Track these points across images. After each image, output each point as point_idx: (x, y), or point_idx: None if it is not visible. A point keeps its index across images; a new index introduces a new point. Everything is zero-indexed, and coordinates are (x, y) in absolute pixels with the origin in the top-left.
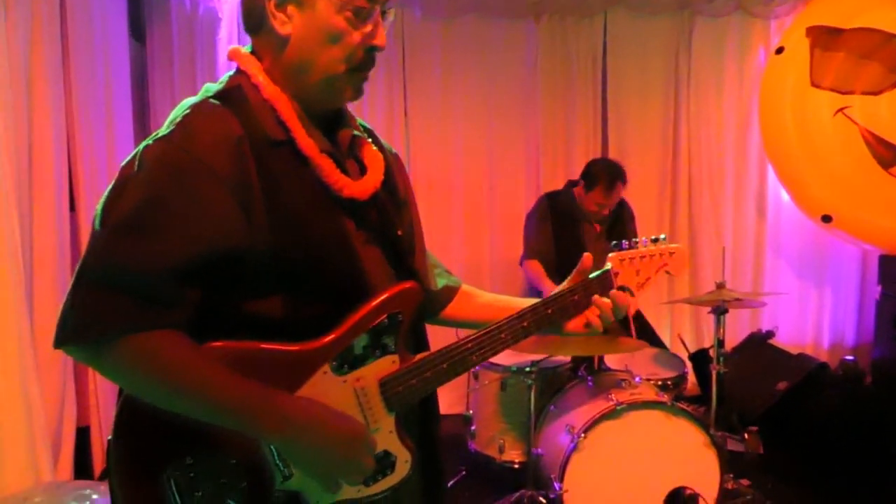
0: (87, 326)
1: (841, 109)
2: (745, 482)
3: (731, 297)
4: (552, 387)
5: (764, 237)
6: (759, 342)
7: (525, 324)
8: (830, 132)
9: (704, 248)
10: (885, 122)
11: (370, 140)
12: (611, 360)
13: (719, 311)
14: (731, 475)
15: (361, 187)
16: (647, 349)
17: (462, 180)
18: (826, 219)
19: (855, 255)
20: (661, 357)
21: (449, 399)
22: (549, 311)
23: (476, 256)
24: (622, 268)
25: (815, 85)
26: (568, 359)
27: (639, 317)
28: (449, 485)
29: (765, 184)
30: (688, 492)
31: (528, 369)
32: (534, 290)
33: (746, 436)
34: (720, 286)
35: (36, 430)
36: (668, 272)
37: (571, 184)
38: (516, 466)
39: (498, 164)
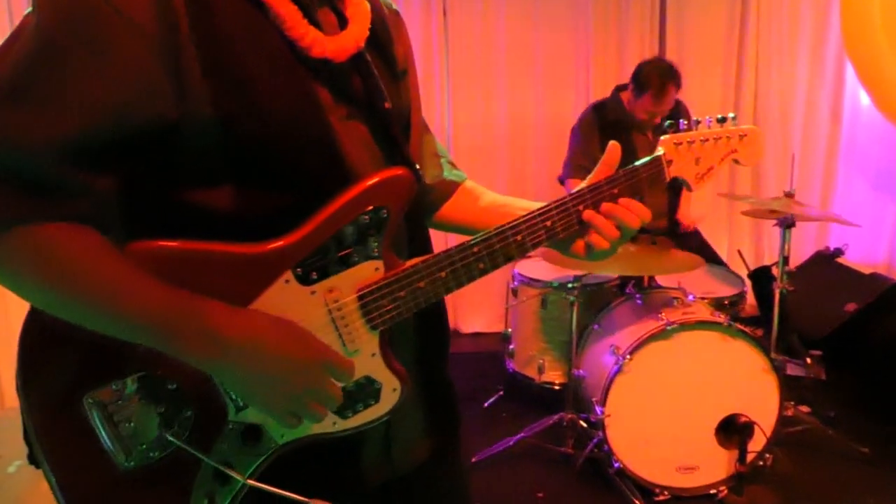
0: None
1: None
2: (804, 409)
3: (801, 210)
4: (597, 304)
5: (837, 145)
6: (826, 260)
7: (548, 223)
8: None
9: (770, 156)
10: None
11: None
12: (662, 277)
13: (786, 223)
14: (792, 403)
15: (337, 45)
16: (706, 265)
17: (505, 90)
18: None
19: None
20: (717, 274)
21: (487, 317)
22: (580, 207)
23: (520, 175)
24: (677, 154)
25: None
26: (610, 274)
27: (695, 233)
28: (485, 405)
29: (841, 86)
30: (742, 419)
31: (570, 285)
32: None
33: (808, 360)
34: (788, 195)
35: None
36: (736, 161)
37: (619, 88)
38: (556, 388)
39: (544, 73)
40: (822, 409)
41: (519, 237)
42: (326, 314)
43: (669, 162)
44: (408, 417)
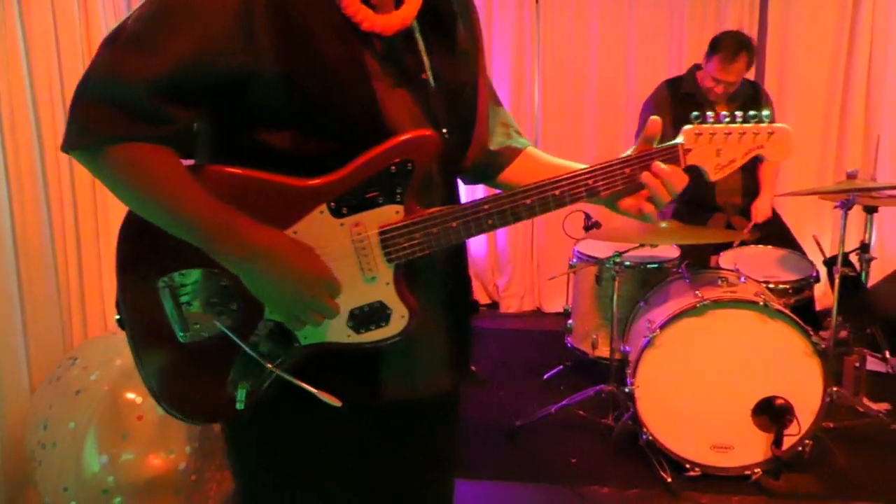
0: (79, 134)
1: None
2: (882, 406)
3: (863, 189)
4: (650, 282)
5: None
6: None
7: (557, 192)
8: None
9: (887, 149)
10: None
11: None
12: (730, 260)
13: (847, 205)
14: (839, 389)
15: (386, 22)
16: (774, 250)
17: (597, 68)
18: None
19: None
20: (788, 259)
21: (554, 296)
22: (592, 181)
23: (609, 148)
24: (697, 144)
25: None
26: (674, 254)
27: (775, 219)
28: (545, 377)
29: None
30: (779, 402)
31: (624, 263)
32: None
33: (887, 353)
34: (851, 176)
35: None
36: (762, 156)
37: (696, 67)
38: (608, 362)
39: (637, 49)
40: None
41: (528, 200)
42: (350, 243)
43: (688, 150)
44: (430, 348)
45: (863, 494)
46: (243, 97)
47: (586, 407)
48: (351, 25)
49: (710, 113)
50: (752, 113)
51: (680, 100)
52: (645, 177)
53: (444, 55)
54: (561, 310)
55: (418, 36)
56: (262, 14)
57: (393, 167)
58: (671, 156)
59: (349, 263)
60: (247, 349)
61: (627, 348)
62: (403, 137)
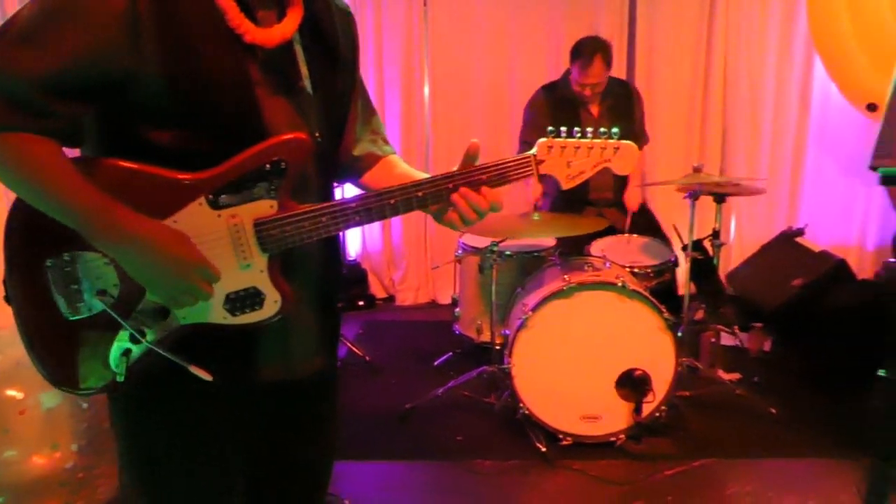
0: None
1: None
2: (734, 376)
3: (709, 181)
4: (529, 270)
5: (806, 130)
6: (786, 240)
7: (420, 194)
8: (887, 9)
9: (740, 141)
10: None
11: None
12: (599, 249)
13: (695, 195)
14: (688, 360)
15: (267, 35)
16: (639, 238)
17: (484, 70)
18: (871, 107)
19: None
20: (650, 246)
21: (446, 288)
22: (451, 184)
23: (497, 148)
24: (549, 156)
25: None
26: (550, 243)
27: (644, 210)
28: (435, 363)
29: (810, 73)
30: (638, 373)
31: (504, 252)
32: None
33: (736, 329)
34: (696, 170)
35: None
36: (611, 170)
37: (570, 71)
38: (497, 347)
39: (520, 53)
40: (750, 376)
41: (392, 200)
42: (227, 233)
43: (541, 161)
44: (304, 332)
45: (709, 452)
46: (127, 96)
47: (471, 388)
48: (235, 37)
49: (563, 129)
50: (602, 130)
51: (557, 103)
52: (454, 197)
53: (322, 66)
54: (451, 300)
55: (298, 48)
56: (149, 21)
57: (268, 165)
58: (525, 165)
59: (226, 251)
60: (124, 324)
61: (507, 332)
62: (278, 139)
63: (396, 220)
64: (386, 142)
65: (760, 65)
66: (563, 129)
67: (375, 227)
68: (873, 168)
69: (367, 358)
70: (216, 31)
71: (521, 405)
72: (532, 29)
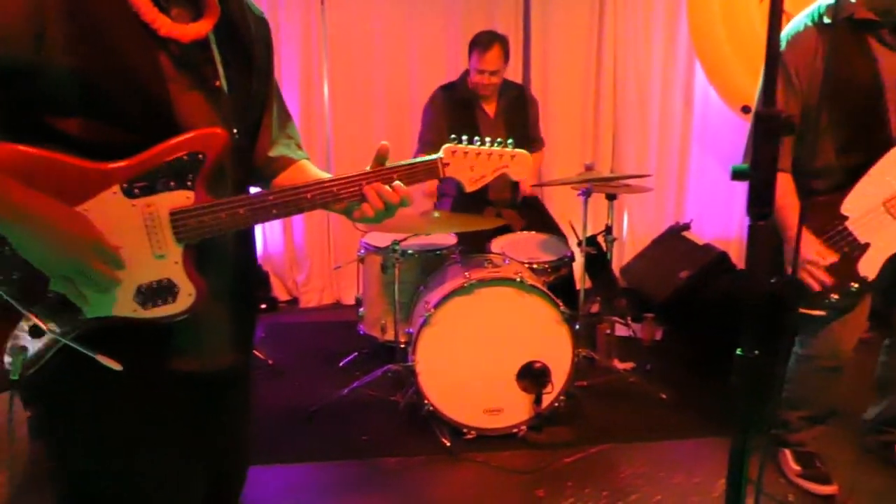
0: None
1: None
2: (628, 365)
3: (597, 179)
4: (431, 268)
5: (690, 128)
6: (674, 234)
7: (335, 189)
8: (757, 19)
9: (629, 138)
10: None
11: None
12: (499, 246)
13: (587, 193)
14: (585, 351)
15: (182, 30)
16: (537, 235)
17: (383, 70)
18: (745, 110)
19: None
20: (548, 242)
21: (351, 288)
22: (365, 182)
23: (398, 148)
24: (454, 159)
25: None
26: (452, 241)
27: (535, 204)
28: (341, 364)
29: (692, 75)
30: (537, 365)
31: (406, 251)
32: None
33: (629, 320)
34: (588, 168)
35: None
36: (508, 175)
37: (467, 72)
38: (402, 346)
39: (419, 54)
40: (643, 365)
41: (309, 195)
42: (142, 222)
43: (446, 164)
44: (218, 326)
45: (605, 438)
46: (34, 85)
47: (376, 387)
48: (149, 32)
49: (465, 137)
50: (499, 140)
51: (455, 103)
52: (367, 189)
53: (237, 68)
54: (355, 301)
55: (215, 48)
56: (56, 12)
57: (185, 157)
58: (432, 166)
59: (140, 241)
60: (25, 313)
61: (411, 330)
62: (199, 132)
63: (298, 221)
64: (300, 147)
65: (647, 68)
66: (465, 136)
67: (276, 228)
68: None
69: (270, 362)
70: (128, 24)
71: (426, 401)
72: (430, 30)
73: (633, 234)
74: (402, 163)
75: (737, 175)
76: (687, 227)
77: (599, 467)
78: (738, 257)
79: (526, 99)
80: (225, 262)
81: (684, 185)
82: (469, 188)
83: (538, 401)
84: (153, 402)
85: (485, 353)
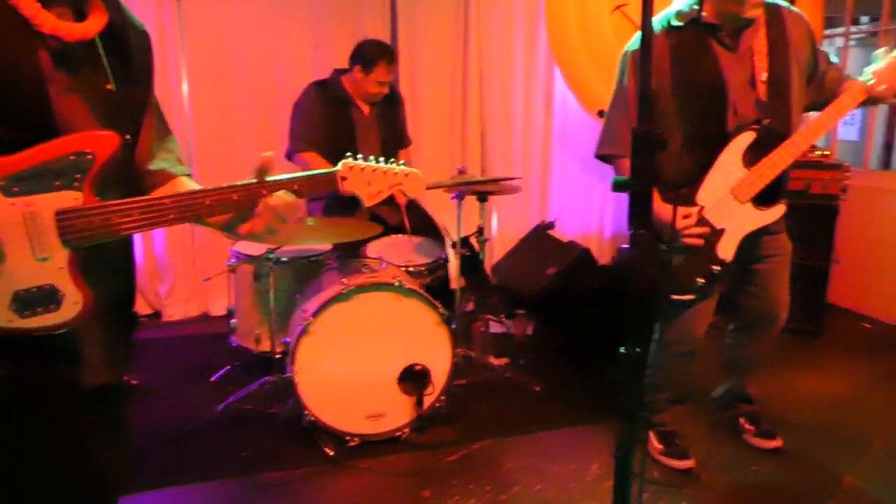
0: None
1: (619, 7)
2: (503, 361)
3: (469, 181)
4: (307, 275)
5: (551, 133)
6: (540, 233)
7: (235, 197)
8: (609, 30)
9: (497, 143)
10: None
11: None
12: (375, 250)
13: (461, 196)
14: (463, 349)
15: (68, 29)
16: (413, 238)
17: (247, 67)
18: (601, 114)
19: None
20: (423, 245)
21: (219, 299)
22: (264, 191)
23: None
24: (351, 174)
25: None
26: (327, 247)
27: (415, 208)
28: (212, 379)
29: (552, 81)
30: (418, 367)
31: (280, 259)
32: None
33: (503, 318)
34: (461, 172)
35: None
36: (403, 192)
37: (339, 72)
38: (277, 356)
39: (285, 51)
40: (517, 359)
41: (207, 201)
42: (22, 222)
43: (344, 178)
44: (97, 338)
45: (486, 433)
46: None
47: (253, 400)
48: (28, 28)
49: (360, 156)
50: (391, 160)
51: (330, 101)
52: (262, 204)
53: (122, 77)
54: (226, 311)
55: (102, 52)
56: None
57: (73, 156)
58: (330, 180)
59: (18, 242)
60: None
61: (288, 339)
62: (86, 133)
63: (158, 231)
64: (181, 162)
65: (510, 74)
66: (360, 155)
67: (135, 237)
68: (597, 155)
69: (134, 382)
70: (5, 16)
71: (307, 412)
72: (293, 27)
73: (501, 234)
74: (300, 174)
75: (618, 187)
76: (551, 225)
77: (482, 463)
78: (598, 253)
79: (397, 98)
80: (108, 271)
81: (547, 185)
82: (367, 202)
83: (420, 403)
84: (19, 410)
85: (365, 358)
